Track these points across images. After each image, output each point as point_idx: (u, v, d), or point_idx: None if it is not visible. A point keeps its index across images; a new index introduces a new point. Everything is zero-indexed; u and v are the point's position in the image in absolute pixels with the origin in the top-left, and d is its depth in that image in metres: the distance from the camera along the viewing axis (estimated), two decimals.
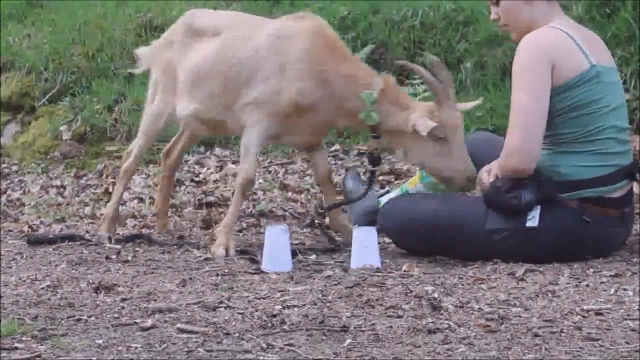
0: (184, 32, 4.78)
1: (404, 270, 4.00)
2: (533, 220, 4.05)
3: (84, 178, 6.19)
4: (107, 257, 4.49)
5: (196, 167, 6.07)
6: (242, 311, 3.46)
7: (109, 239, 4.80)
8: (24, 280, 4.08)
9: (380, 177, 5.61)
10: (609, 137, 4.06)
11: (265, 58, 4.42)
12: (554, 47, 4.03)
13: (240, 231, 5.09)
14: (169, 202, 5.18)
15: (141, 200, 5.62)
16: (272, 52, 4.41)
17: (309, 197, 5.50)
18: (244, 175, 4.42)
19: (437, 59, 4.40)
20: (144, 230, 5.05)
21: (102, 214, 5.18)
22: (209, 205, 5.51)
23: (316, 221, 4.89)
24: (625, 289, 3.62)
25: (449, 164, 4.20)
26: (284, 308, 3.49)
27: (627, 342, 3.03)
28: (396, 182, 5.52)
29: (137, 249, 4.72)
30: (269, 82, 4.38)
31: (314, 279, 3.93)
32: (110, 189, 5.90)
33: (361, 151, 5.93)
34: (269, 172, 5.90)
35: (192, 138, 5.09)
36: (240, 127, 4.52)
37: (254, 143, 4.43)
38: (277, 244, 4.17)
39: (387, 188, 5.38)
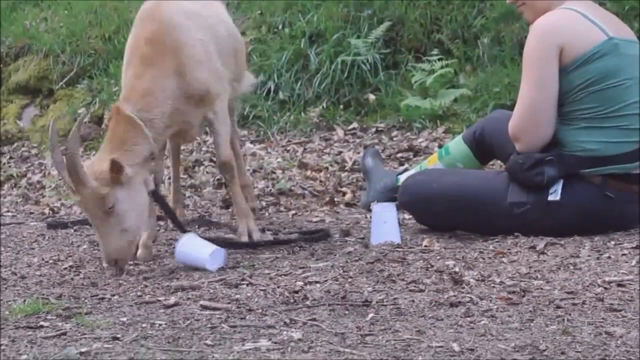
0: None
1: (425, 246, 4.01)
2: (555, 194, 4.04)
3: None
4: None
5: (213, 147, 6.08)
6: (264, 288, 3.48)
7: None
8: (47, 261, 4.11)
9: (399, 155, 5.61)
10: (633, 113, 4.04)
11: None
12: (561, 28, 4.02)
13: (260, 210, 5.10)
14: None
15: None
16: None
17: (328, 175, 5.50)
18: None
19: None
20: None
21: None
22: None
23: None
24: None
25: None
26: (305, 284, 3.50)
27: None
28: (414, 158, 5.52)
29: (158, 228, 4.74)
30: None
31: (335, 255, 3.95)
32: None
33: (379, 129, 5.94)
34: (287, 151, 5.91)
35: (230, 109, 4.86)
36: None
37: None
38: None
39: (405, 166, 5.38)
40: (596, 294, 3.25)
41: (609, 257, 3.69)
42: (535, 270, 3.56)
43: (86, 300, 3.44)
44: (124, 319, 3.16)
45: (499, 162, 4.82)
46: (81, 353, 2.80)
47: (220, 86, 4.11)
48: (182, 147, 5.99)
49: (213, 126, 4.13)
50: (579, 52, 4.00)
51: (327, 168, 5.57)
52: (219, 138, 4.14)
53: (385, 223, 4.14)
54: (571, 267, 3.58)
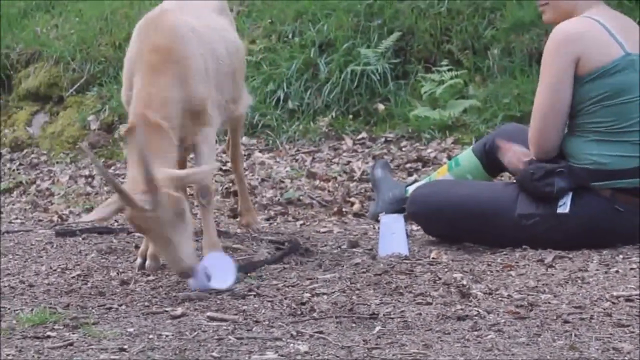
0: None
1: (432, 258, 4.00)
2: (564, 206, 4.04)
3: (112, 167, 6.22)
4: (137, 246, 4.51)
5: (223, 155, 6.07)
6: (271, 299, 3.48)
7: None
8: (55, 270, 4.11)
9: (408, 165, 5.61)
10: None
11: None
12: (580, 38, 4.02)
13: (268, 219, 5.10)
14: (247, 197, 4.85)
15: None
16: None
17: (337, 185, 5.50)
18: None
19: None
20: None
21: None
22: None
23: None
24: None
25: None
26: (313, 296, 3.50)
27: None
28: (423, 169, 5.51)
29: None
30: None
31: (343, 266, 3.94)
32: None
33: (388, 139, 5.93)
34: (296, 160, 5.91)
35: (233, 130, 4.72)
36: None
37: None
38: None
39: (414, 177, 5.38)
40: (604, 309, 3.24)
41: (617, 272, 3.68)
42: (543, 284, 3.55)
43: (93, 310, 3.44)
44: (131, 330, 3.16)
45: (508, 174, 4.81)
46: None
47: (213, 109, 3.98)
48: (191, 156, 6.02)
49: (198, 147, 3.94)
50: (595, 65, 4.00)
51: (335, 178, 5.57)
52: (202, 160, 3.94)
53: (393, 234, 4.14)
54: (579, 281, 3.57)
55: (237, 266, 3.74)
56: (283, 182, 5.60)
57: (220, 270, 3.65)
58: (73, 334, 3.13)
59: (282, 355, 2.85)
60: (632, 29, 4.18)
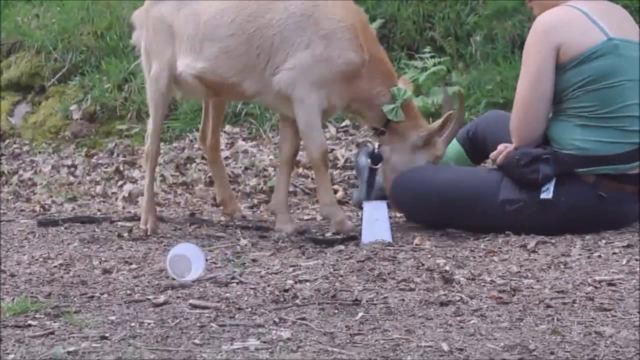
0: None
1: (416, 244, 4.01)
2: (547, 192, 4.04)
3: (95, 157, 6.19)
4: (120, 235, 4.50)
5: None
6: (254, 286, 3.47)
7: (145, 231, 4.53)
8: (37, 259, 4.09)
9: None
10: (631, 115, 4.04)
11: (305, 24, 4.26)
12: (560, 27, 4.04)
13: (251, 207, 5.09)
14: (229, 185, 4.95)
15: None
16: (309, 20, 4.26)
17: None
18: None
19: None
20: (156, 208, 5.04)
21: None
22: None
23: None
24: (637, 260, 3.62)
25: None
26: (296, 283, 3.49)
27: (639, 312, 3.03)
28: None
29: None
30: (311, 50, 4.26)
31: (326, 253, 3.94)
32: (121, 168, 5.91)
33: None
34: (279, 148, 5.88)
35: (217, 110, 4.79)
36: (260, 91, 4.38)
37: (312, 119, 4.35)
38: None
39: None
40: (586, 293, 3.25)
41: (600, 256, 3.69)
42: (525, 269, 3.55)
43: (75, 299, 3.42)
44: (113, 318, 3.15)
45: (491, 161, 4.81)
46: (69, 352, 2.79)
47: None
48: (174, 144, 6.00)
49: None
50: (576, 51, 4.00)
51: None
52: None
53: (377, 221, 4.14)
54: (562, 266, 3.58)
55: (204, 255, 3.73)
56: (266, 170, 5.58)
57: (188, 261, 3.64)
58: (54, 322, 3.12)
59: (264, 342, 2.84)
60: (617, 14, 4.18)
